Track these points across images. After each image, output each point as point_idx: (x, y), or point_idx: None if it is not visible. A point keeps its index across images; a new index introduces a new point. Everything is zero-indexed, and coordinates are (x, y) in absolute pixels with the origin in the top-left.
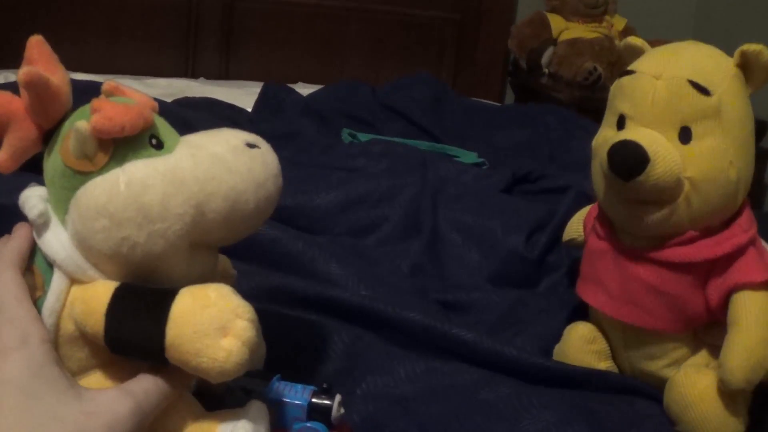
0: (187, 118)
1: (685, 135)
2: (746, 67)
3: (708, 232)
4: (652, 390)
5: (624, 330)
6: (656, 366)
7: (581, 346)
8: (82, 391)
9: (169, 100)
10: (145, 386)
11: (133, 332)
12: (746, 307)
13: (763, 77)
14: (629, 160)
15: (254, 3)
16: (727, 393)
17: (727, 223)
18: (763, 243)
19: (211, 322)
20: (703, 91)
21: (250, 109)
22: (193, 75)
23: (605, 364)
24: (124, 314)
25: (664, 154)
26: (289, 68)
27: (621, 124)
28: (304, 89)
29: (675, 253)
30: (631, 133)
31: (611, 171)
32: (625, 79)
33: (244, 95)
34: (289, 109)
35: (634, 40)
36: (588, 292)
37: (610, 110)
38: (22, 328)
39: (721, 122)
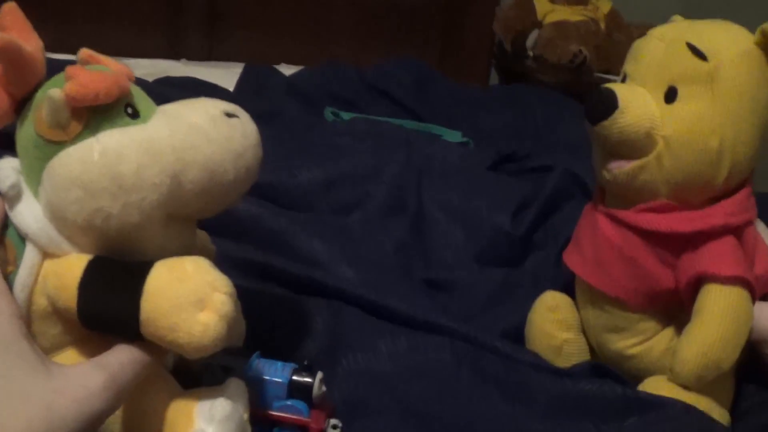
0: (167, 94)
1: (671, 94)
2: (766, 46)
3: (686, 205)
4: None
5: (592, 298)
6: (621, 344)
7: (543, 314)
8: (52, 367)
9: (152, 80)
10: (121, 359)
11: (107, 307)
12: (712, 300)
13: None
14: (599, 104)
15: None
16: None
17: (715, 203)
18: (765, 234)
19: (188, 295)
20: (700, 55)
21: (232, 89)
22: (177, 55)
23: (567, 335)
24: (98, 288)
25: (638, 105)
26: (273, 50)
27: (623, 82)
28: (288, 70)
29: (642, 218)
30: (616, 85)
31: (584, 114)
32: (637, 41)
33: (227, 76)
34: (272, 89)
35: None
36: (567, 251)
37: (622, 71)
38: None
39: (714, 90)
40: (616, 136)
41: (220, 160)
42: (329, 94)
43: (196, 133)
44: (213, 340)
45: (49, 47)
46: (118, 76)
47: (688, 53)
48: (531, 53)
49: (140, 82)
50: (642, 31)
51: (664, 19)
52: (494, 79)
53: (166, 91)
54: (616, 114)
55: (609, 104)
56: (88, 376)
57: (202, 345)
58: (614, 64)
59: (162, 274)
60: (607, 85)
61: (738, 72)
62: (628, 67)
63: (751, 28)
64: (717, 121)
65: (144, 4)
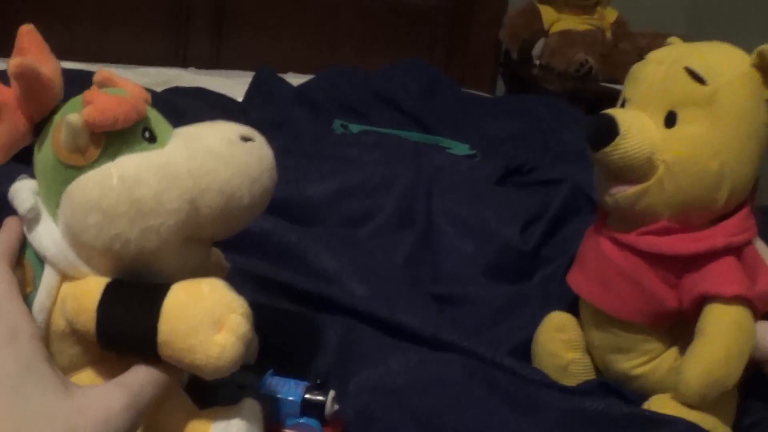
0: (179, 105)
1: (671, 119)
2: (764, 68)
3: (687, 227)
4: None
5: (596, 319)
6: (627, 365)
7: (550, 334)
8: (72, 387)
9: (159, 88)
10: (140, 379)
11: (125, 329)
12: (715, 319)
13: None
14: (600, 130)
15: None
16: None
17: (715, 224)
18: (764, 252)
19: (205, 316)
20: (698, 79)
21: (240, 99)
22: (184, 62)
23: (573, 355)
24: (116, 310)
25: (638, 131)
26: (280, 56)
27: (623, 107)
28: (296, 79)
29: (644, 241)
30: (616, 111)
31: (586, 140)
32: (636, 65)
33: (235, 85)
34: (281, 97)
35: None
36: (571, 272)
37: (621, 95)
38: (11, 324)
39: (713, 113)
40: (617, 161)
41: (237, 184)
42: (337, 102)
43: (213, 158)
44: (230, 362)
45: (54, 53)
46: (136, 100)
47: (687, 77)
48: (537, 62)
49: (150, 92)
50: (648, 40)
51: (670, 28)
52: (500, 86)
53: (177, 100)
54: (618, 140)
55: (610, 130)
56: (109, 396)
57: (219, 366)
58: (620, 73)
59: (179, 296)
60: (608, 110)
61: (737, 95)
62: (628, 91)
63: (754, 37)
64: (717, 144)
65: (150, 10)
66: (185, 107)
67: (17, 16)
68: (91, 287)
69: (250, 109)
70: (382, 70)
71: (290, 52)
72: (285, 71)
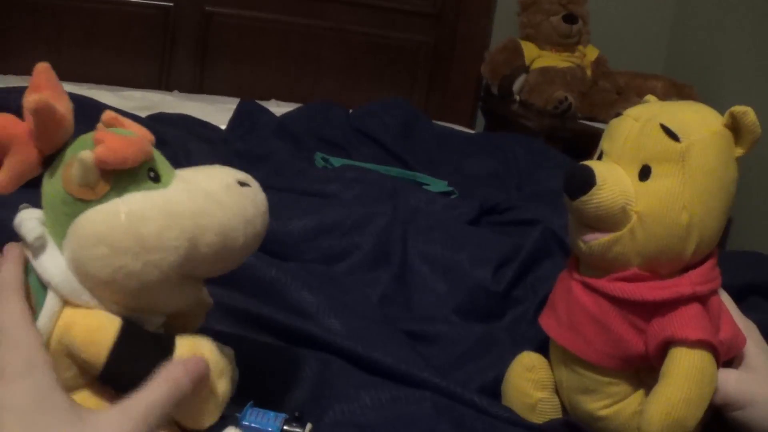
0: (163, 134)
1: (644, 172)
2: (735, 128)
3: (656, 275)
4: None
5: (565, 360)
6: (592, 406)
7: (520, 373)
8: (84, 415)
9: (143, 112)
10: (145, 404)
11: (134, 375)
12: (678, 362)
13: (750, 138)
14: (577, 180)
15: (231, 18)
16: None
17: (682, 273)
18: (727, 303)
19: None
20: (672, 135)
21: (223, 126)
22: (168, 86)
23: (541, 394)
24: (128, 356)
25: (614, 183)
26: (262, 84)
27: (600, 159)
28: (278, 108)
29: (614, 287)
30: (594, 162)
31: (563, 189)
32: (613, 120)
33: (217, 111)
34: (263, 128)
35: None
36: (543, 315)
37: (599, 147)
38: (27, 355)
39: (685, 168)
40: (592, 211)
41: (233, 225)
42: (318, 136)
43: (212, 200)
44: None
45: None
46: (143, 141)
47: (662, 134)
48: (517, 97)
49: (134, 118)
50: (627, 78)
51: (649, 68)
52: (479, 121)
53: (162, 130)
54: (594, 190)
55: (587, 181)
56: (115, 425)
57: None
58: (599, 111)
59: (184, 354)
60: (585, 162)
61: (708, 152)
62: (605, 144)
63: (731, 79)
64: (687, 198)
65: (136, 35)
66: (169, 136)
67: (5, 37)
68: (105, 324)
69: (233, 140)
70: (363, 108)
71: (273, 80)
72: (267, 98)
